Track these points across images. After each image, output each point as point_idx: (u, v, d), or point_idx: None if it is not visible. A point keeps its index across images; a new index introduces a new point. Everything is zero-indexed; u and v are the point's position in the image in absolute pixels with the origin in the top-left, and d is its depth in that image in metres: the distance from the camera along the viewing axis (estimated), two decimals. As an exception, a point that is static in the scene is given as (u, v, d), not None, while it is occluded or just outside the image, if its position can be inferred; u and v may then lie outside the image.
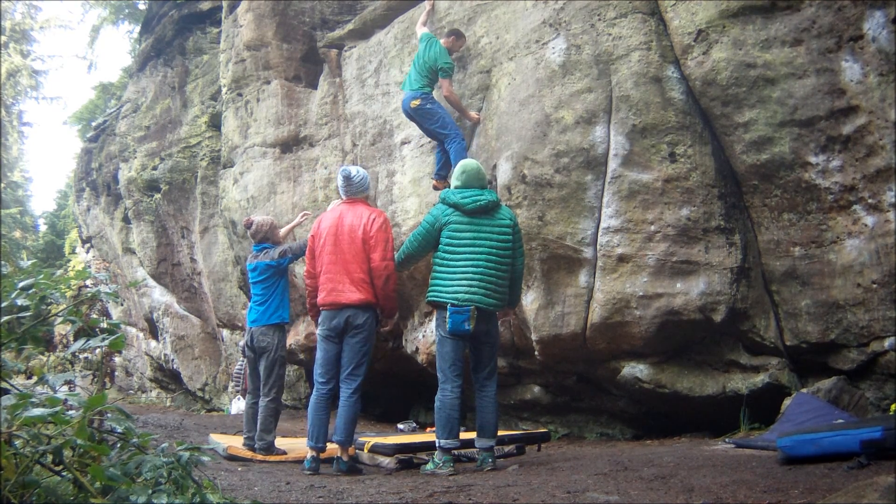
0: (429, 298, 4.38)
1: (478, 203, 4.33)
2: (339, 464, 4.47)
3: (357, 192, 4.72)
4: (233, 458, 5.07)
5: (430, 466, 4.24)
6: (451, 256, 4.31)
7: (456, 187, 4.46)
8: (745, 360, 5.16)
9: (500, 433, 4.75)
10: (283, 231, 6.12)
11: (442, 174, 6.18)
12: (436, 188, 6.22)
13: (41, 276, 2.32)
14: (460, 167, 4.52)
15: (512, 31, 5.91)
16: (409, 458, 4.73)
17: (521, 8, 5.86)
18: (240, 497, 3.21)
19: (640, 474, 3.50)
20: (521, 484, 3.47)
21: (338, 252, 4.54)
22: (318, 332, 4.67)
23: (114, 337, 2.26)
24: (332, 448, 4.58)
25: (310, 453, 4.51)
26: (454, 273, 4.27)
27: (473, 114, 6.10)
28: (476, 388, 4.40)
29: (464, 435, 4.50)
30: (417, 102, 5.99)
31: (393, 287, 4.59)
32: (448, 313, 4.19)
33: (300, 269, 5.78)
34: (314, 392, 4.61)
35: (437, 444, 4.25)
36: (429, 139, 6.40)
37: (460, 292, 4.20)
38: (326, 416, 4.56)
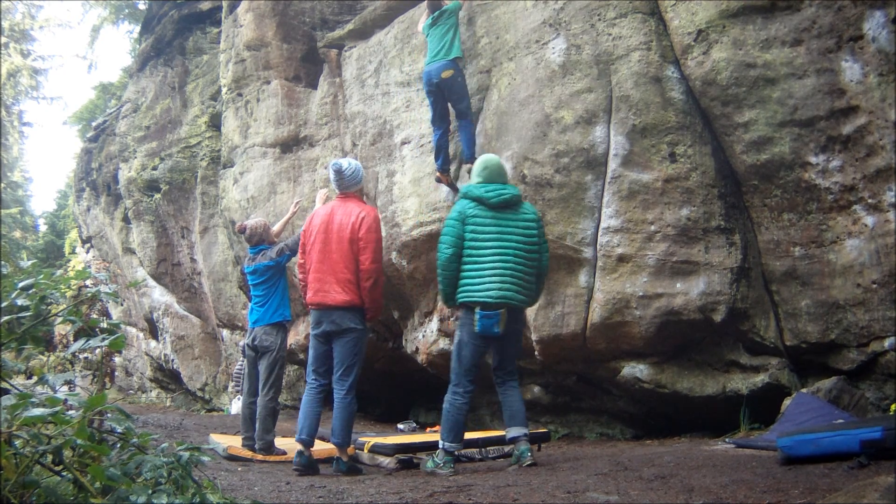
0: (459, 300, 4.23)
1: (502, 197, 4.23)
2: (338, 464, 4.46)
3: (350, 185, 4.63)
4: (233, 458, 5.07)
5: (430, 465, 4.24)
6: (477, 252, 4.18)
7: (478, 182, 4.34)
8: (745, 360, 5.16)
9: (499, 433, 4.75)
10: (277, 227, 6.13)
11: (446, 168, 6.10)
12: (439, 181, 6.15)
13: (41, 276, 2.32)
14: (482, 163, 4.41)
15: (512, 31, 5.91)
16: (409, 458, 4.74)
17: (521, 8, 5.86)
18: (240, 497, 3.21)
19: (640, 474, 3.49)
20: (521, 484, 3.46)
21: (326, 251, 4.50)
22: (310, 329, 4.67)
23: (114, 337, 2.26)
24: (332, 448, 4.58)
25: (297, 447, 4.48)
26: (483, 270, 4.14)
27: None
28: (498, 384, 4.33)
29: (464, 435, 4.50)
30: (450, 73, 5.85)
31: (380, 291, 4.53)
32: (477, 317, 4.09)
33: (300, 269, 5.78)
34: (306, 388, 4.61)
35: (440, 445, 4.24)
36: (428, 138, 6.38)
37: (493, 289, 4.09)
38: (316, 411, 4.53)
